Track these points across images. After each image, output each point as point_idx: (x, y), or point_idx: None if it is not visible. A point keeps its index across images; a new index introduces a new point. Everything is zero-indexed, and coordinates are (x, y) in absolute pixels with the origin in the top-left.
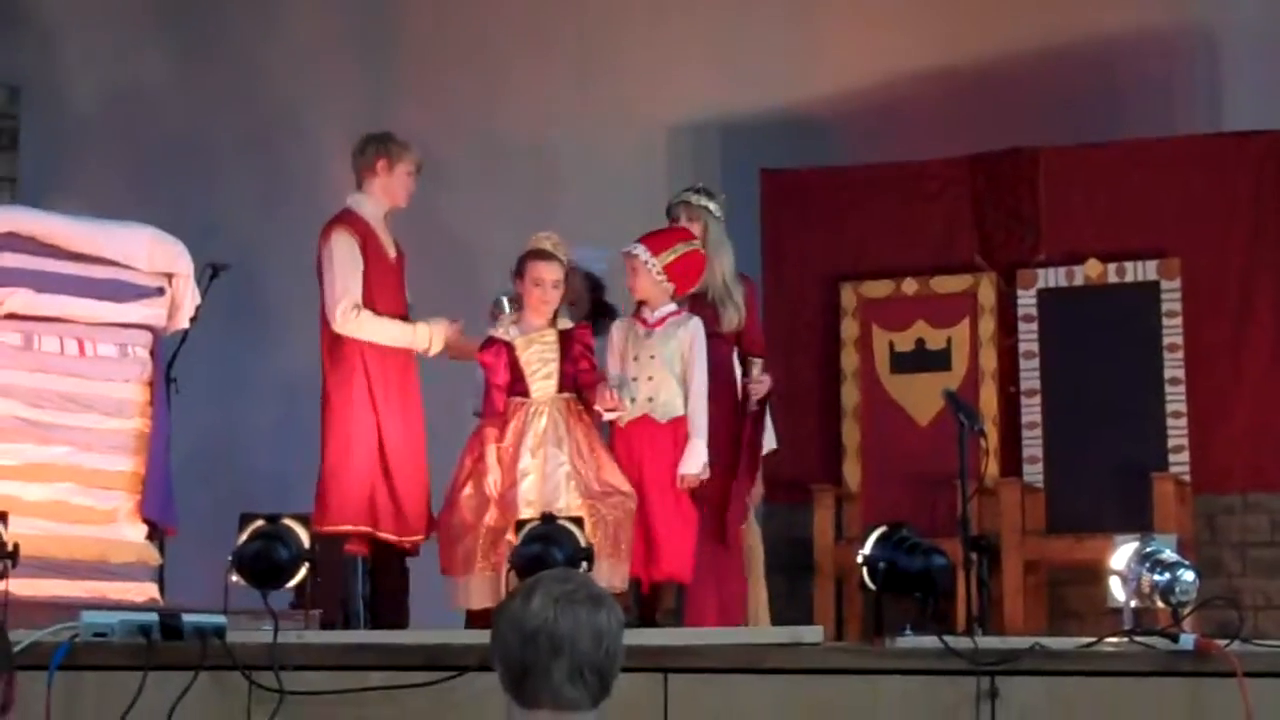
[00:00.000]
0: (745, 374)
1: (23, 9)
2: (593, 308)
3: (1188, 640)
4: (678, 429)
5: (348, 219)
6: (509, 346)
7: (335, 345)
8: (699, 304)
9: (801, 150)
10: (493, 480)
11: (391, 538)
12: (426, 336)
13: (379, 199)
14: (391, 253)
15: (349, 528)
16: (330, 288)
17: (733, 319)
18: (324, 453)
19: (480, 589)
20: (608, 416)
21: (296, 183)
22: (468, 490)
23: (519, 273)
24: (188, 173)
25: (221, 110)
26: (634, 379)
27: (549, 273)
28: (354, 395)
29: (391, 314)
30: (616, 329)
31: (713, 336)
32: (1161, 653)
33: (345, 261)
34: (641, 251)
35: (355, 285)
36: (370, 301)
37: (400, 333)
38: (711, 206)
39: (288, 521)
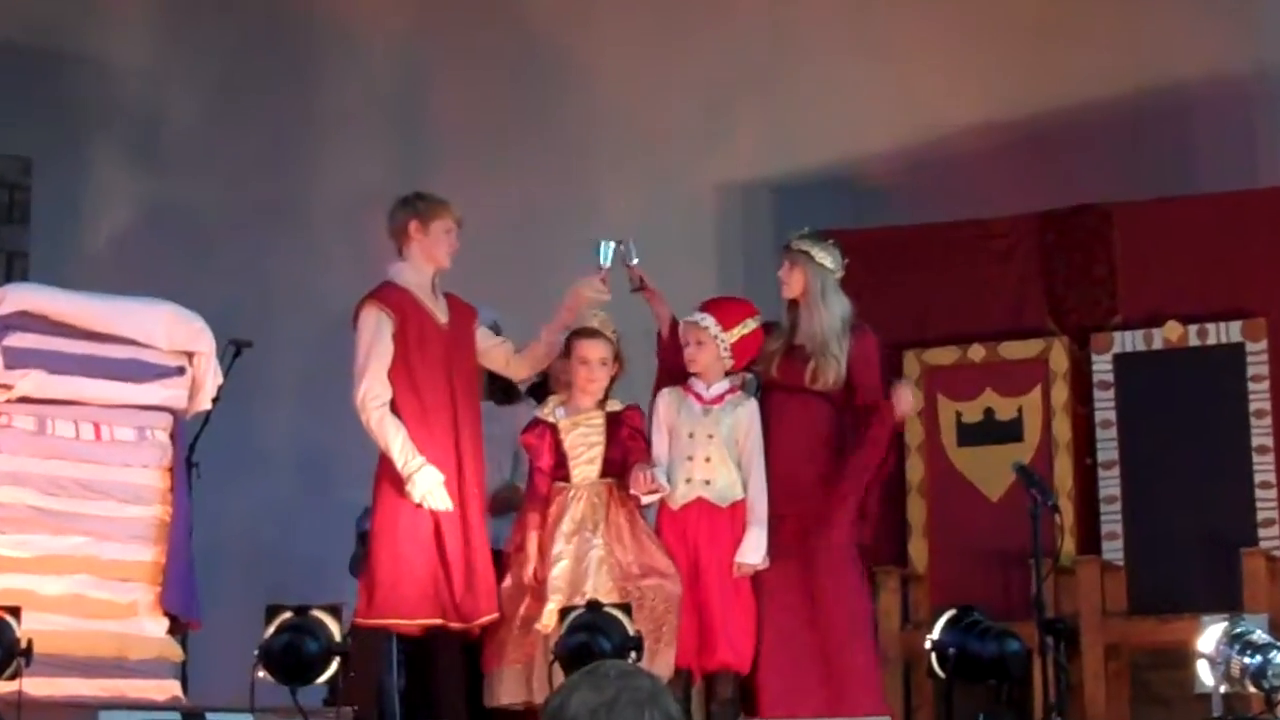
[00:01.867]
0: (858, 429)
1: (36, 78)
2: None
3: None
4: (736, 514)
5: (381, 293)
6: (553, 429)
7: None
8: (792, 357)
9: (858, 210)
10: (531, 569)
11: (456, 625)
12: (411, 480)
13: (419, 265)
14: (441, 319)
15: (414, 621)
16: (355, 369)
17: (830, 375)
18: (373, 539)
19: (509, 683)
20: (646, 500)
21: (323, 255)
22: (507, 581)
23: (565, 352)
24: (208, 245)
25: (244, 180)
26: (689, 458)
27: (595, 351)
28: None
29: (434, 388)
30: (664, 402)
31: (804, 393)
32: None
33: (368, 342)
34: (711, 325)
35: (376, 370)
36: (410, 377)
37: (399, 454)
38: (814, 252)
39: (317, 613)
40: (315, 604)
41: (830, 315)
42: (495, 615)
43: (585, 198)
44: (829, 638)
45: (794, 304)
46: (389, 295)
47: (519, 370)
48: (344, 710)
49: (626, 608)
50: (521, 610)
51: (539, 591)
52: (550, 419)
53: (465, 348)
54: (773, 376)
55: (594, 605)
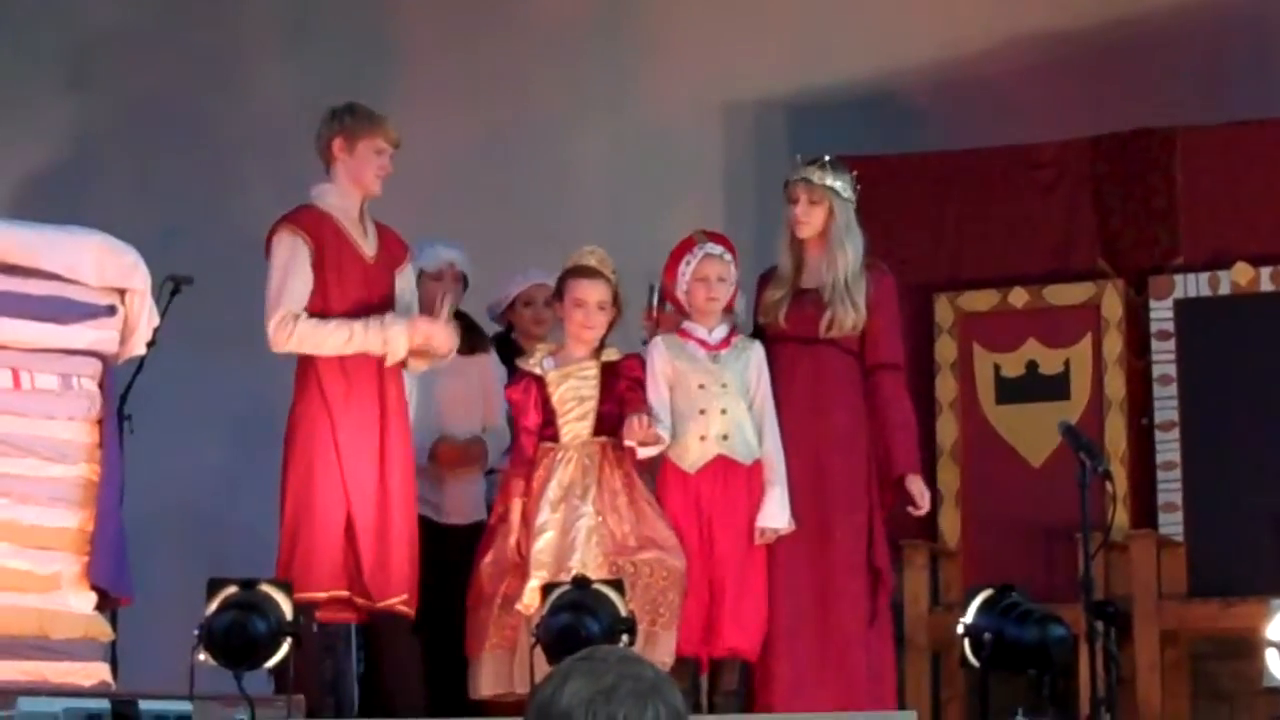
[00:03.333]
0: (869, 387)
1: None
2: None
3: None
4: (754, 475)
5: (298, 215)
6: (540, 382)
7: (298, 371)
8: (806, 303)
9: (885, 134)
10: (514, 541)
11: (362, 602)
12: (380, 338)
13: (345, 188)
14: (367, 251)
15: (320, 594)
16: (268, 300)
17: (847, 322)
18: (283, 503)
19: (491, 671)
20: (643, 453)
21: (274, 181)
22: (488, 556)
23: (558, 294)
24: (143, 171)
25: (186, 97)
26: (701, 411)
27: (593, 293)
28: (315, 430)
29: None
30: (658, 351)
31: (819, 344)
32: None
33: (283, 269)
34: (731, 260)
35: (293, 294)
36: (333, 313)
37: (345, 337)
38: (839, 185)
39: (265, 588)
40: (263, 578)
41: (854, 256)
42: (404, 597)
43: (569, 117)
44: (845, 622)
45: (800, 243)
46: (306, 219)
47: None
48: (295, 699)
49: (619, 584)
50: (503, 588)
51: (522, 567)
52: (537, 370)
53: (389, 286)
54: (781, 327)
55: (581, 581)
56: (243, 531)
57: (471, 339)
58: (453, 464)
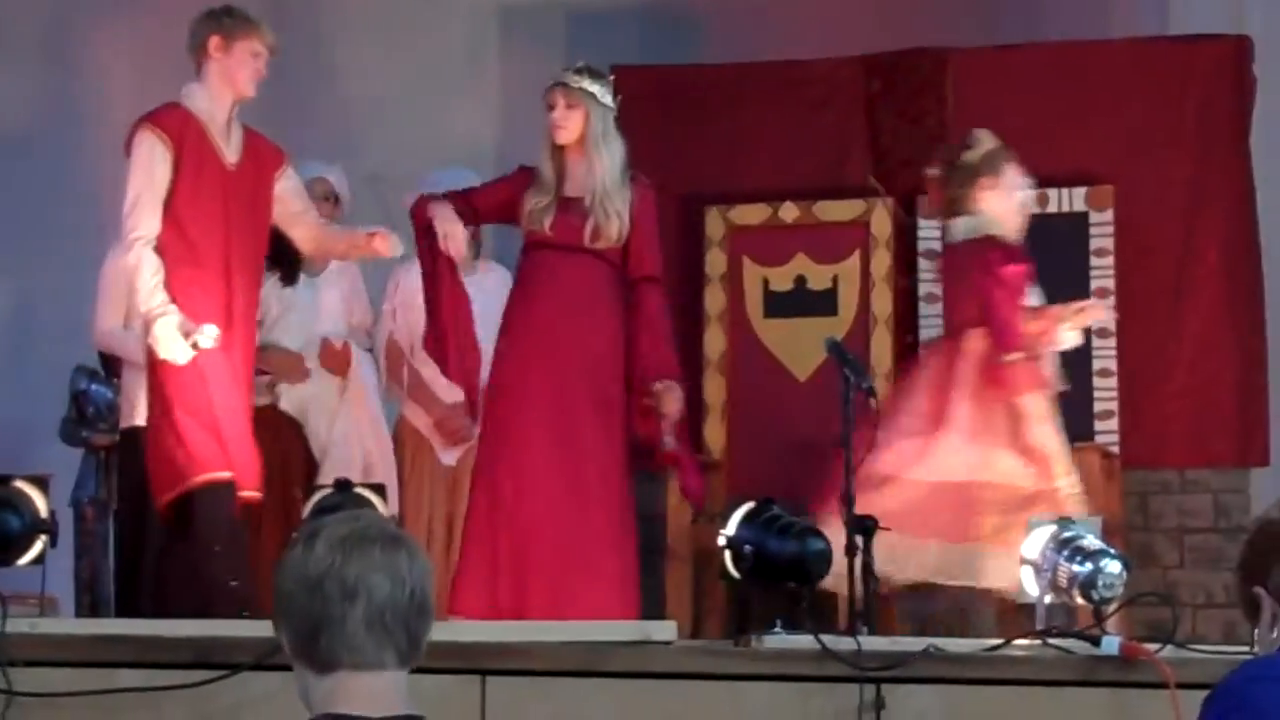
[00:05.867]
0: (633, 299)
1: None
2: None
3: (1112, 643)
4: None
5: (160, 116)
6: None
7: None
8: (570, 211)
9: (665, 45)
10: None
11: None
12: (151, 324)
13: (216, 89)
14: (231, 158)
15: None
16: (125, 202)
17: (612, 231)
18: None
19: None
20: None
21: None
22: None
23: None
24: None
25: None
26: None
27: None
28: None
29: (208, 237)
30: None
31: (582, 253)
32: (1081, 658)
33: (141, 171)
34: None
35: (147, 202)
36: (186, 218)
37: (142, 295)
38: (596, 90)
39: (20, 484)
40: (19, 474)
41: (613, 163)
42: (257, 495)
43: (345, 20)
44: (598, 528)
45: (560, 150)
46: (169, 119)
47: (315, 250)
48: (49, 597)
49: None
50: None
51: None
52: None
53: (253, 197)
54: (545, 234)
55: (342, 484)
56: (3, 426)
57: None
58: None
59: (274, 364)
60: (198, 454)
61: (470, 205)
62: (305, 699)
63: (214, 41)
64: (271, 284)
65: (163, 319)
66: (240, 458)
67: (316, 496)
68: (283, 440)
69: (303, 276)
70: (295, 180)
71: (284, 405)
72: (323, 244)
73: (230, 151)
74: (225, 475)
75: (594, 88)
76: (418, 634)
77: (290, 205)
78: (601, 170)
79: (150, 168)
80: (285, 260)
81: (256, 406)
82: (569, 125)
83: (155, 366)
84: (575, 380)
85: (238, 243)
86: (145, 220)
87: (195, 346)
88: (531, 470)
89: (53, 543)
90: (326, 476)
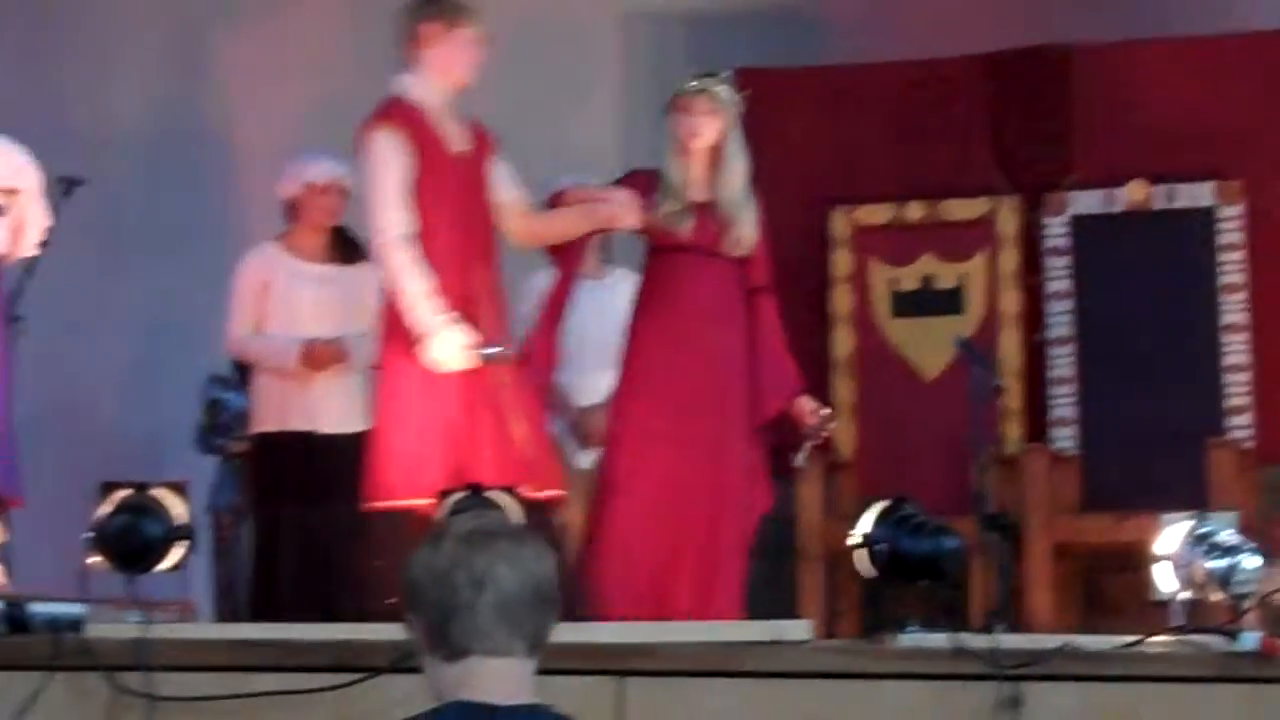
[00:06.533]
0: (753, 308)
1: None
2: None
3: (1249, 639)
4: None
5: (391, 111)
6: None
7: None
8: (707, 216)
9: (784, 46)
10: None
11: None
12: (428, 340)
13: (434, 78)
14: (456, 147)
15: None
16: (371, 204)
17: (748, 236)
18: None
19: None
20: None
21: (179, 74)
22: None
23: None
24: (33, 71)
25: None
26: None
27: None
28: None
29: (451, 226)
30: None
31: (719, 258)
32: (1218, 654)
33: (384, 170)
34: None
35: (397, 201)
36: (429, 211)
37: (419, 307)
38: (732, 97)
39: (158, 491)
40: (157, 481)
41: (744, 168)
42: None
43: None
44: (732, 535)
45: (686, 155)
46: (399, 113)
47: (527, 238)
48: (188, 603)
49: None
50: None
51: None
52: None
53: (481, 185)
54: (683, 239)
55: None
56: (137, 435)
57: (348, 250)
58: (324, 363)
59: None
60: (413, 473)
61: None
62: (435, 687)
63: (430, 29)
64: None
65: (449, 332)
66: (504, 458)
67: (450, 500)
68: None
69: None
70: (506, 166)
71: None
72: (538, 230)
73: (456, 140)
74: (425, 502)
75: (730, 94)
76: (544, 626)
77: (504, 192)
78: (736, 176)
79: (392, 163)
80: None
81: None
82: (708, 131)
83: (395, 372)
84: (716, 385)
85: (476, 233)
86: (397, 217)
87: (480, 360)
88: (678, 473)
89: (192, 549)
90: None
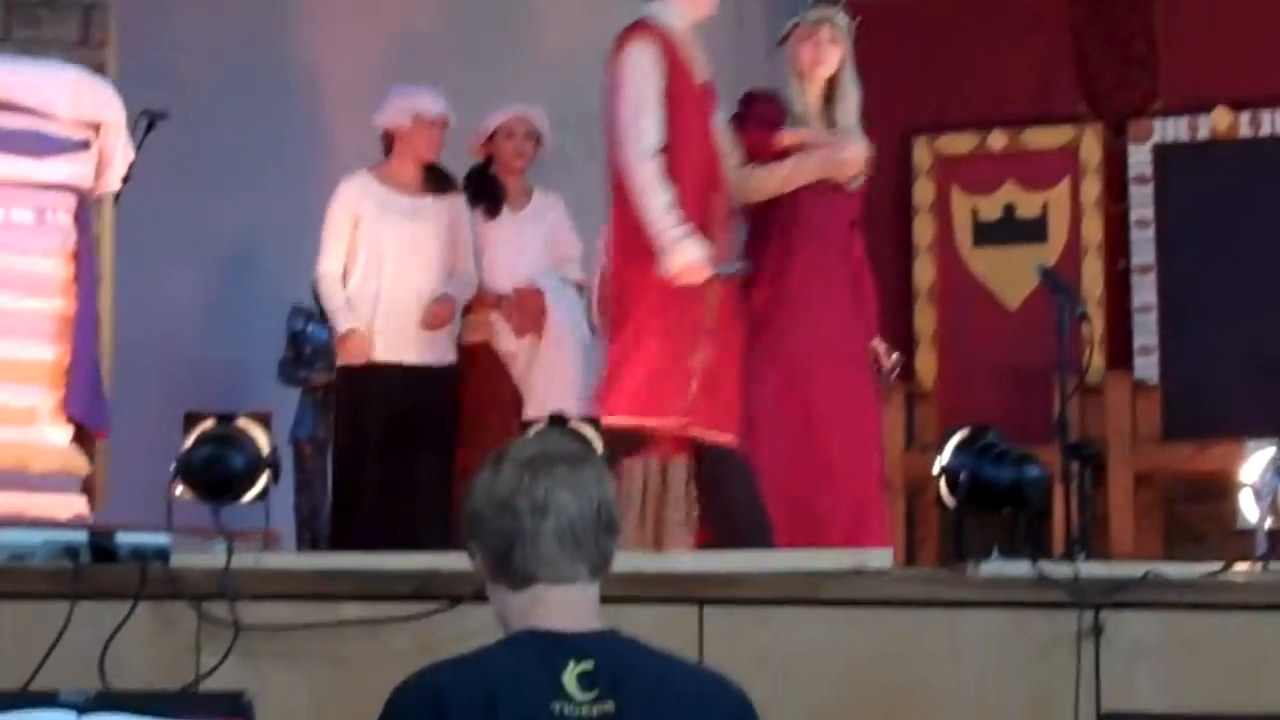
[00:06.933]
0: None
1: None
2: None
3: None
4: None
5: (645, 27)
6: None
7: None
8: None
9: None
10: None
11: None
12: (671, 249)
13: (682, 6)
14: (699, 74)
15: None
16: (620, 118)
17: (863, 171)
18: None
19: None
20: None
21: (250, 14)
22: None
23: None
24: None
25: None
26: None
27: None
28: None
29: (701, 147)
30: None
31: (840, 193)
32: None
33: (639, 84)
34: None
35: (651, 117)
36: (676, 129)
37: (660, 216)
38: (851, 29)
39: (242, 422)
40: (240, 412)
41: (859, 99)
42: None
43: None
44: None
45: (808, 83)
46: (654, 31)
47: (741, 191)
48: (271, 532)
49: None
50: None
51: None
52: None
53: (716, 115)
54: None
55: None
56: (220, 366)
57: (441, 183)
58: (443, 323)
59: (510, 313)
60: (659, 392)
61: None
62: (502, 615)
63: None
64: (476, 218)
65: (687, 243)
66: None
67: (532, 431)
68: (496, 378)
69: (505, 210)
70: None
71: (500, 345)
72: (745, 187)
73: (699, 68)
74: (673, 421)
75: (847, 23)
76: (607, 549)
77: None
78: (853, 105)
79: (650, 77)
80: (489, 194)
81: (475, 343)
82: (831, 59)
83: (634, 287)
84: (854, 321)
85: (711, 157)
86: (650, 129)
87: (711, 278)
88: (831, 409)
89: (275, 479)
90: (527, 414)
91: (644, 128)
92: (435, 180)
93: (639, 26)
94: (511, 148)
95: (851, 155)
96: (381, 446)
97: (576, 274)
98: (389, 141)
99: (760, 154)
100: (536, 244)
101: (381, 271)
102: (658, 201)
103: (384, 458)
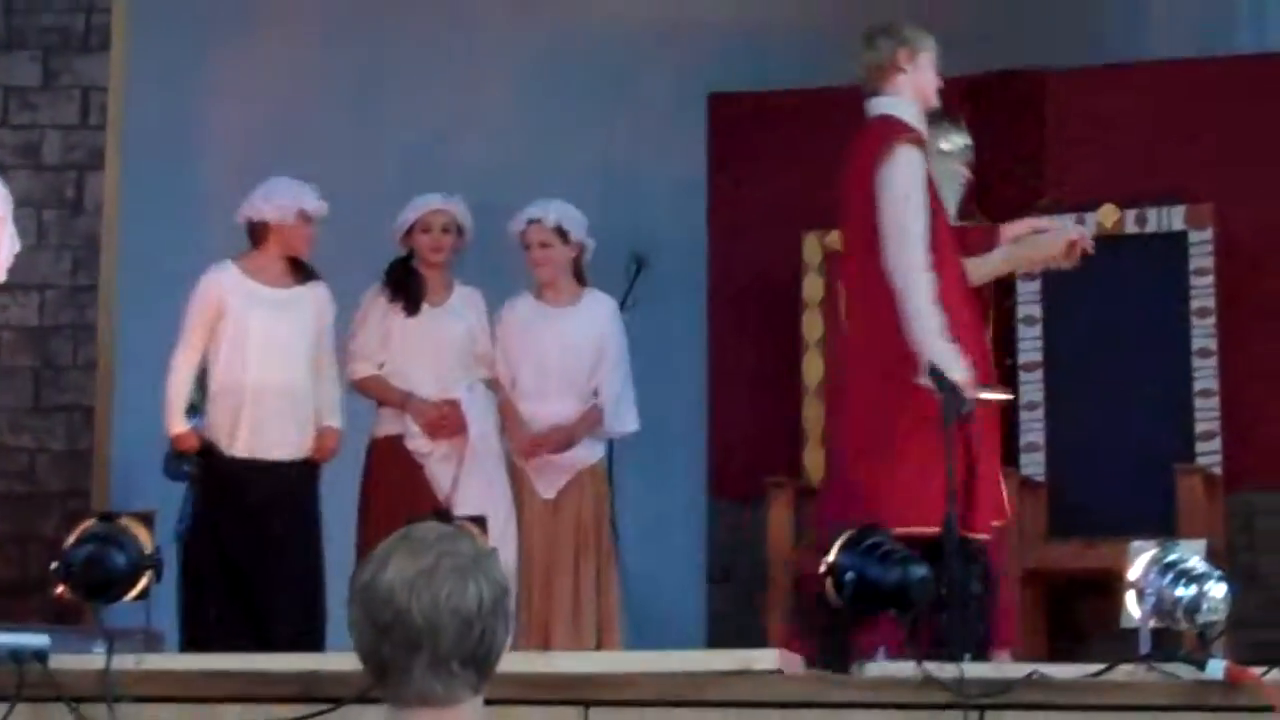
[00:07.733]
0: None
1: None
2: None
3: (1217, 667)
4: None
5: (907, 130)
6: None
7: None
8: None
9: (756, 70)
10: None
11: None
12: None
13: (913, 100)
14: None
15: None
16: (891, 225)
17: None
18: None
19: None
20: None
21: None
22: None
23: None
24: None
25: None
26: None
27: None
28: None
29: (956, 259)
30: None
31: None
32: (1186, 683)
33: (910, 190)
34: None
35: (920, 229)
36: (939, 255)
37: (948, 355)
38: None
39: (125, 521)
40: (123, 511)
41: None
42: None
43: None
44: None
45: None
46: (919, 140)
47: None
48: (152, 632)
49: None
50: None
51: None
52: None
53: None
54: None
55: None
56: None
57: (305, 273)
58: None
59: (422, 417)
60: (922, 501)
61: None
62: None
63: (902, 55)
64: (394, 314)
65: (966, 368)
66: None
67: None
68: (407, 472)
69: (425, 307)
70: None
71: (410, 444)
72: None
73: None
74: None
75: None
76: (488, 666)
77: None
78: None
79: (918, 187)
80: (408, 291)
81: (388, 436)
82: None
83: (893, 402)
84: None
85: (963, 272)
86: (925, 246)
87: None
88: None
89: (158, 578)
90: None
91: (920, 247)
92: (299, 271)
93: (899, 128)
94: (429, 241)
95: (1061, 245)
96: (238, 544)
97: (489, 373)
98: (257, 232)
99: (978, 250)
100: (456, 342)
101: (246, 364)
102: (933, 325)
103: (240, 554)
